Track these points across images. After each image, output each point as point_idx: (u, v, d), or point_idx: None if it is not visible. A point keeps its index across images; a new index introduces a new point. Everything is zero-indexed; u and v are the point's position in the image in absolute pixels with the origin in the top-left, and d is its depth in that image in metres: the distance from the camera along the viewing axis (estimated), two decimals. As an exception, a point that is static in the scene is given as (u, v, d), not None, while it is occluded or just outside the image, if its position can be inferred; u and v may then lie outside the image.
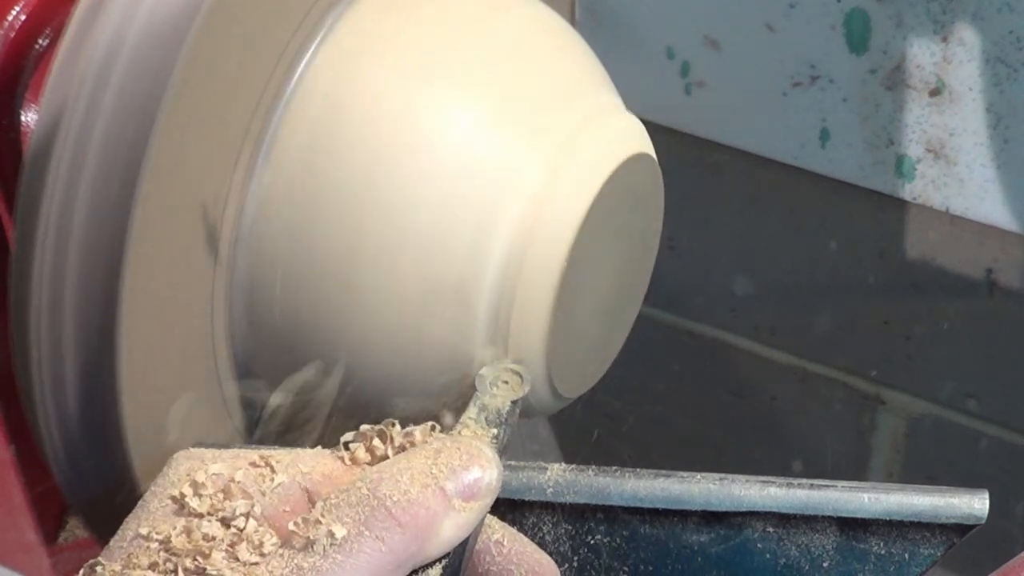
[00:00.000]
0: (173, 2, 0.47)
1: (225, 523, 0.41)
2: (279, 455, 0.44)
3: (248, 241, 0.52)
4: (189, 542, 0.41)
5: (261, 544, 0.41)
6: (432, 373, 0.54)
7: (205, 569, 0.40)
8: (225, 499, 0.42)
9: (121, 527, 0.43)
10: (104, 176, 0.47)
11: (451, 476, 0.43)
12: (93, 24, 0.48)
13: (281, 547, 0.41)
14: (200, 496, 0.42)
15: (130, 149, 0.47)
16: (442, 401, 0.54)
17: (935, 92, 0.88)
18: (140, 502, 0.44)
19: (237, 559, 0.40)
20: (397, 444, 0.45)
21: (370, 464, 0.45)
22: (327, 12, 0.53)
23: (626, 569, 0.49)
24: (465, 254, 0.52)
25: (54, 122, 0.48)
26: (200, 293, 0.52)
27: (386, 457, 0.45)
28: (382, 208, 0.52)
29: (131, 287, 0.47)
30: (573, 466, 0.49)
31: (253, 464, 0.44)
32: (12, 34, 0.55)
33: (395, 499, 0.41)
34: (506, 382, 0.51)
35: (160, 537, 0.41)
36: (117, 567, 0.41)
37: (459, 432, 0.47)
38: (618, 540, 0.49)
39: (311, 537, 0.40)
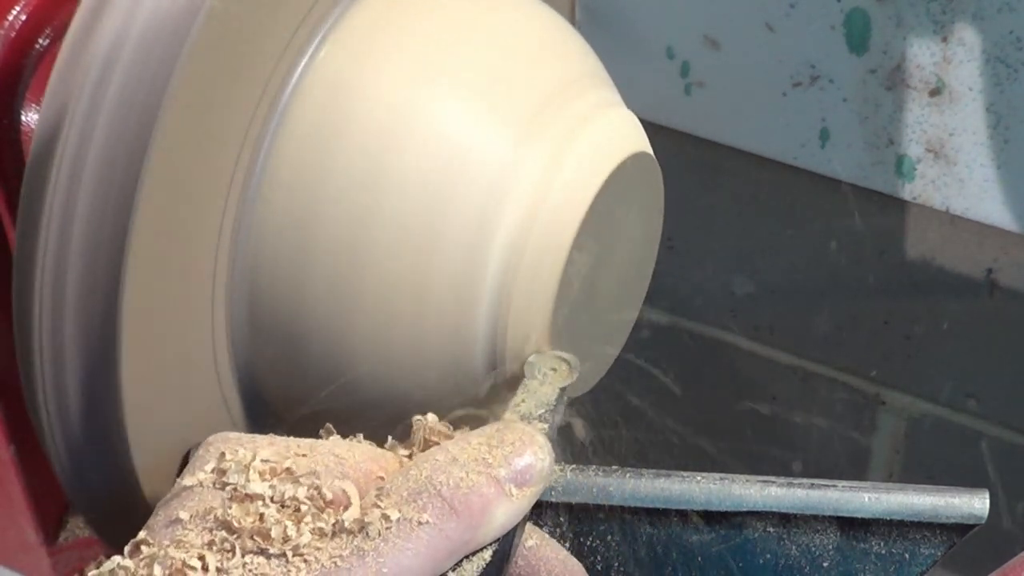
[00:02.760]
0: (174, 2, 0.47)
1: (282, 505, 0.41)
2: (319, 445, 0.45)
3: (248, 241, 0.52)
4: (247, 521, 0.41)
5: (320, 527, 0.41)
6: (431, 373, 0.54)
7: (266, 549, 0.40)
8: (279, 482, 0.42)
9: (159, 506, 0.43)
10: (105, 176, 0.47)
11: (504, 463, 0.43)
12: (95, 24, 0.48)
13: (339, 530, 0.41)
14: (253, 479, 0.42)
15: (131, 149, 0.47)
16: (441, 403, 0.54)
17: (935, 92, 0.88)
18: (177, 483, 0.43)
19: (297, 540, 0.40)
20: (442, 435, 0.45)
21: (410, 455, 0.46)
22: (328, 11, 0.53)
23: (626, 569, 0.49)
24: (464, 254, 0.53)
25: (56, 122, 0.48)
26: (200, 293, 0.52)
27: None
28: (382, 208, 0.52)
29: (132, 288, 0.47)
30: (573, 466, 0.49)
31: (296, 453, 0.44)
32: (12, 34, 0.55)
33: (451, 485, 0.42)
34: (554, 369, 0.51)
35: (216, 517, 0.41)
36: (167, 544, 0.41)
37: (507, 418, 0.48)
38: (619, 539, 0.49)
39: (366, 520, 0.41)
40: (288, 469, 0.43)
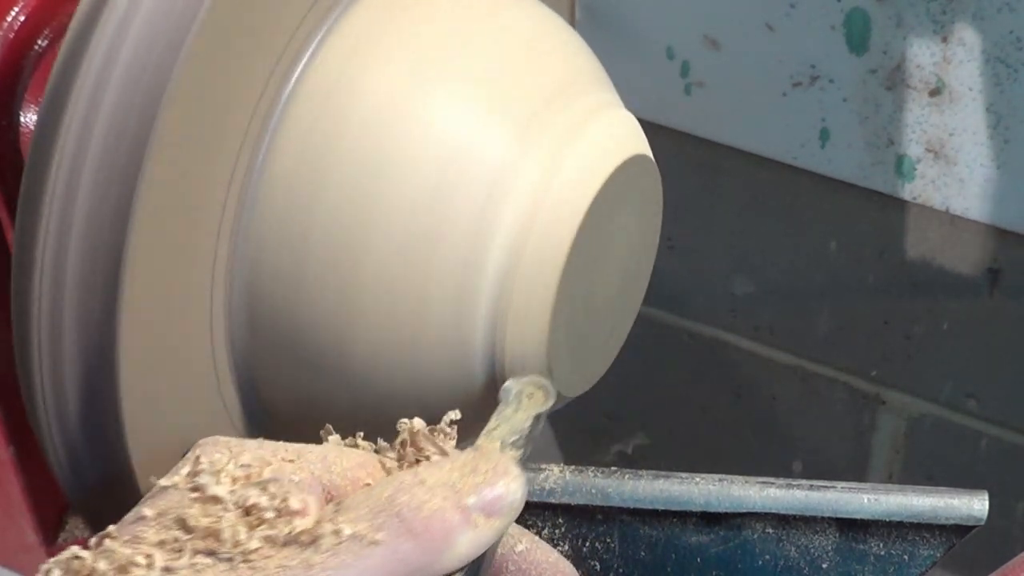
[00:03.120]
0: (173, 2, 0.47)
1: (244, 511, 0.41)
2: (308, 451, 0.44)
3: (248, 242, 0.52)
4: (203, 523, 0.41)
5: (273, 535, 0.41)
6: (431, 373, 0.54)
7: (215, 551, 0.40)
8: (241, 487, 0.42)
9: (138, 504, 0.43)
10: (104, 177, 0.47)
11: (474, 491, 0.42)
12: (94, 24, 0.48)
13: (290, 540, 0.40)
14: (221, 482, 0.42)
15: (130, 150, 0.47)
16: (442, 403, 0.54)
17: (935, 92, 0.88)
18: (159, 483, 0.43)
19: (247, 545, 0.40)
20: (427, 449, 0.45)
21: (399, 465, 0.45)
22: (327, 12, 0.53)
23: (625, 570, 0.49)
24: (463, 254, 0.52)
25: (54, 123, 0.48)
26: (199, 294, 0.52)
27: (417, 460, 0.45)
28: (381, 209, 0.52)
29: (131, 288, 0.47)
30: (573, 466, 0.49)
31: (283, 458, 0.44)
32: (12, 34, 0.55)
33: (412, 507, 0.41)
34: (530, 396, 0.50)
35: (174, 516, 0.41)
36: (126, 539, 0.41)
37: (481, 445, 0.47)
38: (617, 541, 0.49)
39: (318, 533, 0.40)
40: (260, 475, 0.42)
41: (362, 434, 0.47)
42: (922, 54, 0.87)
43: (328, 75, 0.53)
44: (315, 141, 0.52)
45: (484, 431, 0.48)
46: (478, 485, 0.42)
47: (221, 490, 0.42)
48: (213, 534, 0.40)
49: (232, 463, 0.43)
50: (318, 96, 0.52)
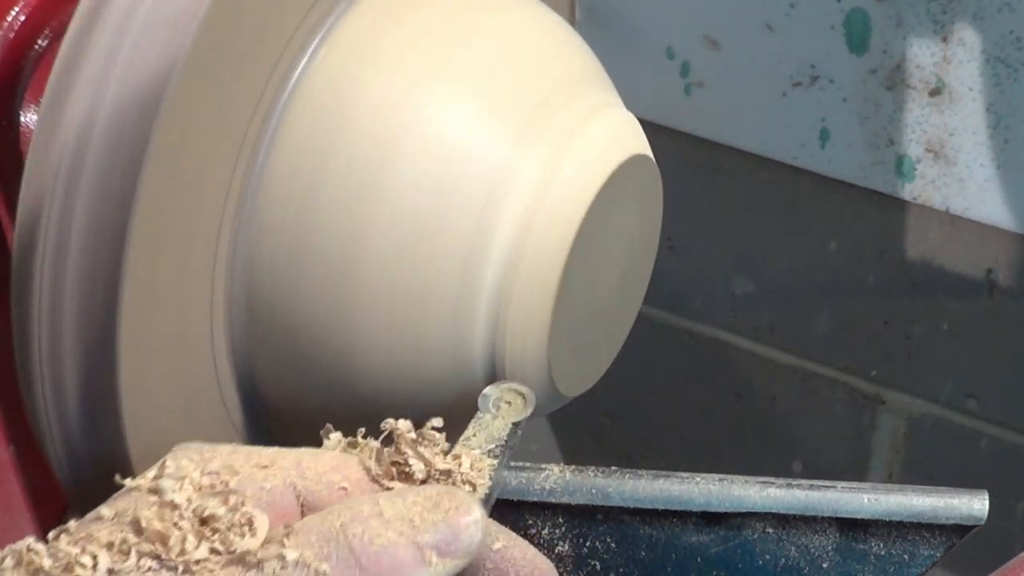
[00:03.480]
0: (173, 2, 0.47)
1: (201, 521, 0.41)
2: (283, 456, 0.44)
3: (248, 242, 0.52)
4: (155, 527, 0.40)
5: (220, 548, 0.40)
6: (431, 374, 0.54)
7: (159, 556, 0.40)
8: (198, 496, 0.42)
9: (103, 504, 0.43)
10: (105, 175, 0.47)
11: (432, 528, 0.41)
12: (94, 23, 0.48)
13: (236, 559, 0.40)
14: (183, 488, 0.42)
15: (129, 150, 0.47)
16: (442, 402, 0.54)
17: (935, 92, 0.88)
18: (125, 484, 0.43)
19: (192, 555, 0.40)
20: (407, 453, 0.45)
21: (379, 470, 0.45)
22: (326, 14, 0.53)
23: (625, 570, 0.49)
24: (464, 255, 0.53)
25: (55, 121, 0.48)
26: (200, 293, 0.52)
27: (395, 463, 0.45)
28: (380, 209, 0.52)
29: (131, 287, 0.47)
30: (573, 466, 0.49)
31: (256, 464, 0.44)
32: (12, 34, 0.55)
33: (364, 540, 0.40)
34: (509, 403, 0.49)
35: (130, 518, 0.41)
36: (80, 536, 0.40)
37: (457, 454, 0.46)
38: (617, 540, 0.49)
39: (261, 556, 0.40)
40: (223, 482, 0.42)
41: (363, 430, 0.47)
42: (922, 54, 0.87)
43: (328, 75, 0.53)
44: (315, 141, 0.52)
45: (461, 439, 0.47)
46: (437, 524, 0.41)
47: (179, 497, 0.41)
48: (162, 540, 0.40)
49: (198, 471, 0.42)
50: (318, 96, 0.52)
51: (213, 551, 0.40)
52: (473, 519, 0.42)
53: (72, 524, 0.41)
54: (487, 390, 0.49)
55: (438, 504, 0.42)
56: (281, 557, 0.39)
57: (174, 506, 0.41)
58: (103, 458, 0.51)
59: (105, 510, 0.42)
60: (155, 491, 0.42)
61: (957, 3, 0.85)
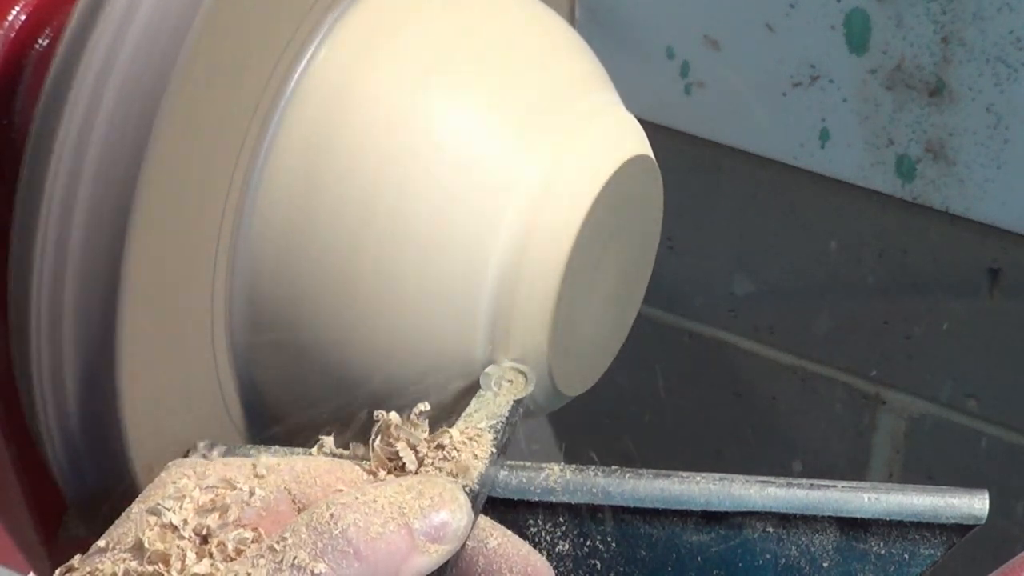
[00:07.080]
0: (173, 2, 0.47)
1: (202, 539, 0.41)
2: (278, 462, 0.44)
3: (248, 242, 0.52)
4: (157, 548, 0.41)
5: (224, 560, 0.40)
6: (433, 374, 0.54)
7: (162, 575, 0.40)
8: (203, 515, 0.42)
9: (104, 534, 0.43)
10: (104, 176, 0.47)
11: (420, 515, 0.41)
12: (93, 23, 0.48)
13: (234, 562, 0.40)
14: (178, 509, 0.42)
15: (130, 149, 0.47)
16: (442, 403, 0.54)
17: (935, 92, 0.88)
18: (125, 512, 0.43)
19: (193, 570, 0.40)
20: (398, 437, 0.45)
21: (372, 462, 0.45)
22: (327, 13, 0.53)
23: (626, 569, 0.49)
24: (465, 255, 0.53)
25: (54, 122, 0.48)
26: (200, 293, 0.52)
27: (387, 457, 0.45)
28: (381, 210, 0.52)
29: (131, 288, 0.47)
30: (573, 466, 0.49)
31: (252, 473, 0.43)
32: (12, 34, 0.55)
33: (358, 529, 0.40)
34: (510, 381, 0.51)
35: (130, 545, 0.41)
36: (87, 571, 0.41)
37: (458, 428, 0.47)
38: (618, 540, 0.49)
39: (257, 566, 0.40)
40: (218, 499, 0.42)
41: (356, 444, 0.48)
42: (922, 54, 0.87)
43: (328, 75, 0.53)
44: (316, 141, 0.52)
45: (463, 414, 0.48)
46: (424, 508, 0.42)
47: (176, 518, 0.42)
48: (164, 560, 0.40)
49: (196, 488, 0.43)
50: (319, 96, 0.52)
51: (214, 566, 0.40)
52: (459, 505, 0.42)
53: (76, 560, 0.42)
54: (488, 369, 0.50)
55: (422, 492, 0.42)
56: (276, 563, 0.39)
57: (174, 528, 0.42)
58: (103, 458, 0.51)
59: (103, 542, 0.42)
60: (155, 512, 0.42)
61: (957, 3, 0.85)
